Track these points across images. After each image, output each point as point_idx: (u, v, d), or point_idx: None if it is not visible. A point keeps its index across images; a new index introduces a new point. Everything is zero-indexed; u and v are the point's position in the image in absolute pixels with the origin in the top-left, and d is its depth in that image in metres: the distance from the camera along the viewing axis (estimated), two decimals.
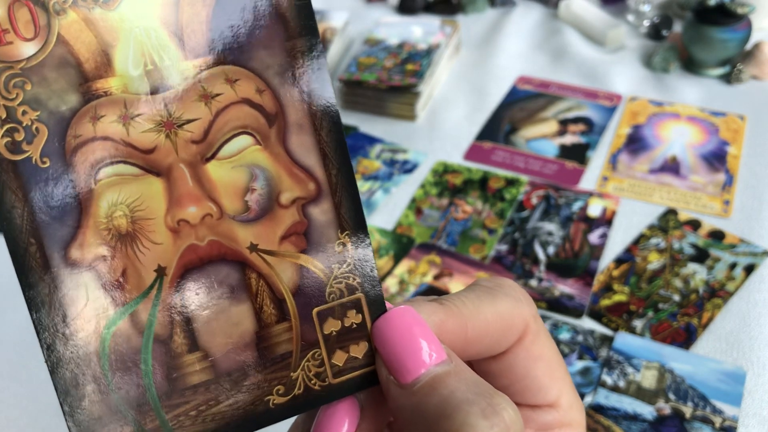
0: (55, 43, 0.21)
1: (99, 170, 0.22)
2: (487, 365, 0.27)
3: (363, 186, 0.84)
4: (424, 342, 0.24)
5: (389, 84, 0.92)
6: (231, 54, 0.23)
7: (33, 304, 0.22)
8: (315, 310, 0.24)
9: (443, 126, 0.92)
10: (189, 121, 0.23)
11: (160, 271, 0.23)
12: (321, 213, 0.24)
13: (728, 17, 0.90)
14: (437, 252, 0.74)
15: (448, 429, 0.22)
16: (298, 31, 0.23)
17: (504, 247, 0.75)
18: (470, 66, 1.03)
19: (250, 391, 0.24)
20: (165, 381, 0.23)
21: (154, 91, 0.22)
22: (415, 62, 0.95)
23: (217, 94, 0.23)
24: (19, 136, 0.22)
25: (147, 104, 0.22)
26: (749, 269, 0.69)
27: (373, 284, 0.25)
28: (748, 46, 0.94)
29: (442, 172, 0.85)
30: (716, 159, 0.83)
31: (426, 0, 1.15)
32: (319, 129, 0.24)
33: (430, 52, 0.96)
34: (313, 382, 0.25)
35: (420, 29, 1.02)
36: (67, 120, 0.22)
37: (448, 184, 0.83)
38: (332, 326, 0.25)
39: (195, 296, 0.24)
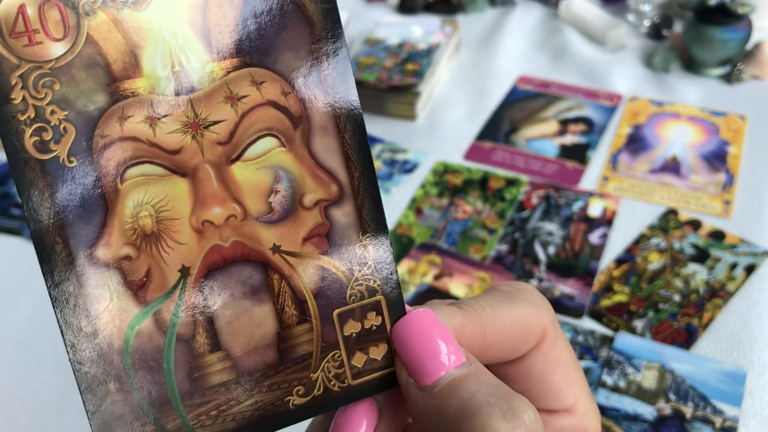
0: (84, 44, 0.22)
1: (125, 170, 0.23)
2: (504, 369, 0.27)
3: None
4: (443, 344, 0.24)
5: (389, 84, 0.92)
6: (257, 56, 0.23)
7: (58, 302, 0.22)
8: (336, 311, 0.25)
9: (443, 126, 0.92)
10: (215, 123, 0.23)
11: (184, 271, 0.23)
12: (343, 215, 0.25)
13: (728, 17, 0.90)
14: (437, 252, 0.74)
15: (469, 431, 0.22)
16: (324, 34, 0.24)
17: (504, 247, 0.75)
18: (470, 66, 1.03)
19: (270, 392, 0.24)
20: (187, 380, 0.24)
21: (180, 92, 0.23)
22: (415, 62, 0.94)
23: (243, 96, 0.23)
24: (47, 136, 0.22)
25: (174, 105, 0.23)
26: (750, 269, 0.69)
27: (392, 287, 0.25)
28: (749, 45, 0.94)
29: (442, 172, 0.85)
30: (717, 159, 0.83)
31: (426, 0, 1.15)
32: (343, 132, 0.24)
33: (430, 52, 0.96)
34: (332, 383, 0.25)
35: (420, 29, 1.02)
36: (94, 120, 0.22)
37: (448, 184, 0.83)
38: (352, 328, 0.25)
39: (218, 296, 0.24)
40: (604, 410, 0.59)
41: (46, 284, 0.22)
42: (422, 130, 0.92)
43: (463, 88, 0.99)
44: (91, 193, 0.22)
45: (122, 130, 0.22)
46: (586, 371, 0.62)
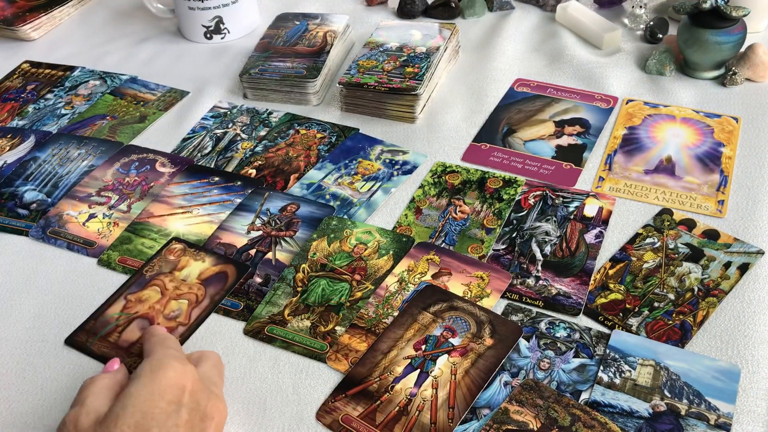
0: None
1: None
2: None
3: (363, 186, 0.85)
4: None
5: (389, 86, 0.93)
6: None
7: None
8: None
9: (442, 127, 0.93)
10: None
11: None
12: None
13: (723, 20, 0.91)
14: (436, 251, 0.75)
15: None
16: None
17: (502, 247, 0.76)
18: (468, 69, 1.04)
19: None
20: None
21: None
22: (414, 65, 0.96)
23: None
24: None
25: None
26: (743, 268, 0.70)
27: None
28: (742, 48, 0.95)
29: (441, 172, 0.86)
30: (711, 160, 0.84)
31: (425, 4, 1.17)
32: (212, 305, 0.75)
33: (429, 55, 0.97)
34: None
35: (419, 33, 1.03)
36: None
37: (446, 185, 0.84)
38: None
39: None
40: (600, 407, 0.60)
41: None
42: (421, 131, 0.93)
43: (462, 91, 1.00)
44: None
45: None
46: (583, 368, 0.63)
